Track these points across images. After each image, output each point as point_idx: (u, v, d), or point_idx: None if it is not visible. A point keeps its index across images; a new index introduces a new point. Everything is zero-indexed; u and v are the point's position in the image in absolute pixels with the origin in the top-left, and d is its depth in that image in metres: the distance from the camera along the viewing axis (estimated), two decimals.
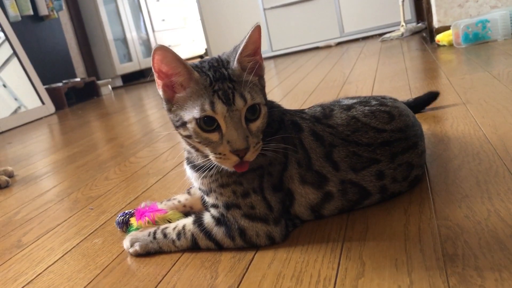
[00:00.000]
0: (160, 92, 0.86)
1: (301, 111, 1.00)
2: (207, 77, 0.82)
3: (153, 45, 6.21)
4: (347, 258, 0.80)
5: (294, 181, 0.91)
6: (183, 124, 0.83)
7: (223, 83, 0.81)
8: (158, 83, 0.85)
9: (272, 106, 0.94)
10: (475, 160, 1.11)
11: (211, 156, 0.83)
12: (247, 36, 0.82)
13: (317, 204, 0.93)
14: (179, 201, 1.10)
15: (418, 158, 1.01)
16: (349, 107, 1.00)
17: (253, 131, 0.83)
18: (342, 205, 0.94)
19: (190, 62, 0.88)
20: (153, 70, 0.84)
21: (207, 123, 0.81)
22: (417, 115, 1.54)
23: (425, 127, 1.42)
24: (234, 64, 0.84)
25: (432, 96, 1.61)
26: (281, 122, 0.93)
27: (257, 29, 0.82)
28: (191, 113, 0.81)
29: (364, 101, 1.03)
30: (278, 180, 0.90)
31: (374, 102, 1.03)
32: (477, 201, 0.90)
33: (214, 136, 0.81)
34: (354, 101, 1.04)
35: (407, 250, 0.78)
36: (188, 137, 0.84)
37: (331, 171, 0.92)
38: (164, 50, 0.80)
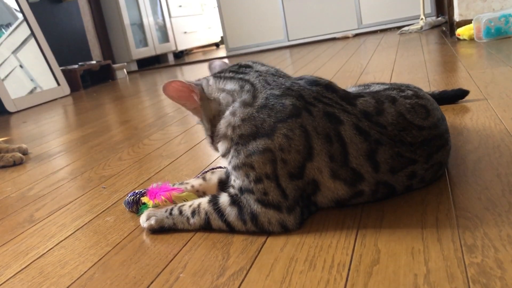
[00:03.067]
0: None
1: (353, 99, 0.91)
2: None
3: (169, 31, 6.25)
4: (362, 244, 0.78)
5: (322, 174, 0.86)
6: None
7: None
8: None
9: (284, 93, 0.88)
10: (496, 153, 1.09)
11: None
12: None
13: (345, 200, 0.90)
14: (192, 186, 1.07)
15: (447, 156, 0.98)
16: (393, 99, 0.93)
17: None
18: (368, 200, 0.91)
19: None
20: None
21: None
22: None
23: None
24: None
25: (460, 94, 1.57)
26: (296, 108, 0.86)
27: (165, 90, 0.95)
28: None
29: (398, 89, 0.98)
30: (297, 170, 0.85)
31: (410, 93, 0.98)
32: (498, 194, 0.88)
33: None
34: (386, 86, 1.00)
35: (424, 239, 0.77)
36: None
37: (370, 171, 0.87)
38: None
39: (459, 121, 1.38)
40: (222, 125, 0.91)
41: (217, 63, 1.09)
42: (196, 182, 1.07)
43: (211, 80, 0.97)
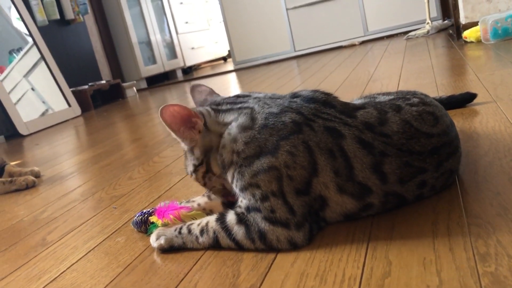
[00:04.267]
0: None
1: (353, 112, 0.90)
2: None
3: (177, 47, 6.31)
4: (373, 257, 0.77)
5: (329, 189, 0.85)
6: None
7: None
8: None
9: (283, 110, 0.88)
10: (507, 157, 1.07)
11: None
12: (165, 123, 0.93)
13: (354, 213, 0.88)
14: (198, 204, 1.06)
15: (457, 163, 0.97)
16: (398, 108, 0.92)
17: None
18: (378, 211, 0.90)
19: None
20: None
21: None
22: None
23: None
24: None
25: (468, 97, 1.56)
26: (297, 124, 0.86)
27: (163, 112, 0.91)
28: None
29: (404, 98, 0.97)
30: (303, 185, 0.85)
31: (416, 100, 0.96)
32: (510, 199, 0.86)
33: None
34: (392, 97, 0.99)
35: (435, 249, 0.75)
36: None
37: (377, 183, 0.85)
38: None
39: (468, 125, 1.37)
40: (226, 154, 0.90)
41: (203, 88, 1.06)
42: (202, 200, 1.07)
43: (212, 113, 0.95)
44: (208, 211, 1.05)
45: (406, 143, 0.88)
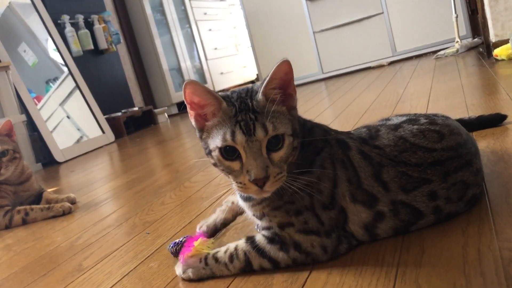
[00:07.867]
0: (193, 121, 0.91)
1: (348, 132, 1.02)
2: (233, 107, 0.85)
3: (207, 73, 6.43)
4: (402, 281, 0.77)
5: (346, 199, 0.91)
6: (210, 152, 0.88)
7: (246, 114, 0.84)
8: (191, 113, 0.90)
9: (313, 126, 0.98)
10: None
11: (233, 185, 0.87)
12: (272, 71, 0.84)
13: (370, 223, 0.92)
14: (232, 202, 1.17)
15: (473, 176, 0.97)
16: (396, 127, 0.99)
17: (275, 161, 0.84)
18: (396, 225, 0.92)
19: (222, 92, 0.91)
20: (185, 102, 0.88)
21: (228, 152, 0.84)
22: (475, 133, 1.49)
23: (483, 145, 1.36)
24: (259, 96, 0.86)
25: (498, 118, 1.55)
26: (325, 140, 0.94)
27: (282, 65, 0.83)
28: (215, 142, 0.85)
29: (413, 119, 1.02)
30: (328, 198, 0.90)
31: (423, 120, 1.01)
32: None
33: (235, 165, 0.85)
34: (403, 119, 1.04)
35: (466, 273, 0.75)
36: (214, 165, 0.89)
37: (381, 191, 0.91)
38: (194, 84, 0.85)
39: (499, 146, 1.35)
40: None
41: None
42: (235, 198, 1.16)
43: None
44: (239, 209, 1.12)
45: (399, 155, 0.93)
